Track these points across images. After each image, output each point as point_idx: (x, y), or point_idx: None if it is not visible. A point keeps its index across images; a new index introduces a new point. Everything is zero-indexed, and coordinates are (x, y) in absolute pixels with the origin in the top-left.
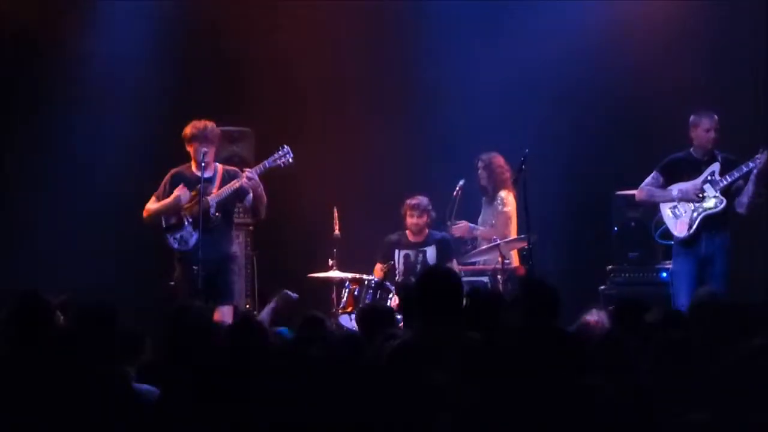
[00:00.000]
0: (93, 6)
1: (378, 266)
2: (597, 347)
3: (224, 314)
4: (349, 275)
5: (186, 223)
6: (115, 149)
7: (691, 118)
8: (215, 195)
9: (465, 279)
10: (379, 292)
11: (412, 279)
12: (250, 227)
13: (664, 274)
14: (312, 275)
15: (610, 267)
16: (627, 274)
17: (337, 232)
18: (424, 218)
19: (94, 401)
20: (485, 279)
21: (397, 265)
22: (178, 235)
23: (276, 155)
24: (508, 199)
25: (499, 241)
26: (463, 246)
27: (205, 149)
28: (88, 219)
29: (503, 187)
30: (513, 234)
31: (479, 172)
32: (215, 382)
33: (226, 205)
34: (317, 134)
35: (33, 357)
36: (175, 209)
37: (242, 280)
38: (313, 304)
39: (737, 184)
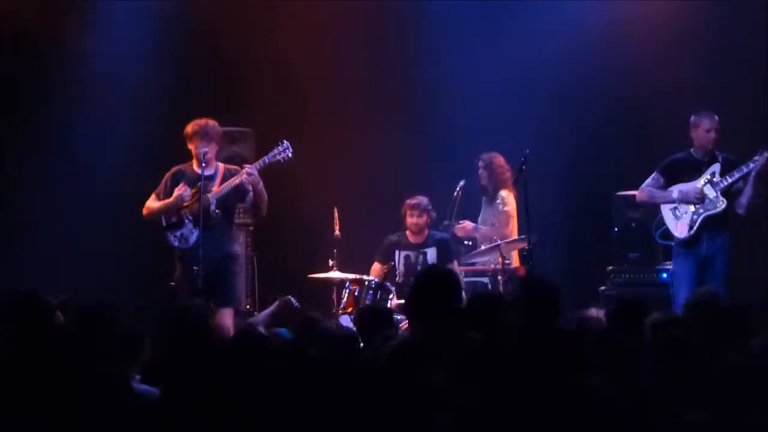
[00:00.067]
0: (93, 6)
1: (376, 266)
2: (596, 347)
3: (225, 317)
4: (350, 276)
5: (186, 221)
6: (115, 149)
7: (692, 118)
8: (215, 192)
9: (465, 279)
10: (379, 292)
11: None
12: (250, 227)
13: (665, 275)
14: (312, 276)
15: (610, 267)
16: (627, 275)
17: (337, 232)
18: (424, 218)
19: (94, 401)
20: (485, 279)
21: (397, 266)
22: (178, 233)
23: (275, 150)
24: (508, 198)
25: (499, 242)
26: (461, 246)
27: (205, 146)
28: (88, 219)
29: (504, 186)
30: (514, 233)
31: (480, 171)
32: (215, 382)
33: (227, 202)
34: (317, 134)
35: (33, 357)
36: (176, 208)
37: (243, 281)
38: (314, 305)
39: (737, 185)
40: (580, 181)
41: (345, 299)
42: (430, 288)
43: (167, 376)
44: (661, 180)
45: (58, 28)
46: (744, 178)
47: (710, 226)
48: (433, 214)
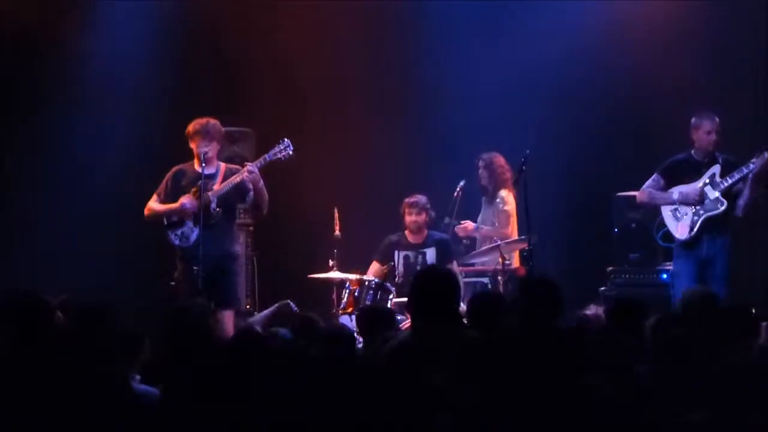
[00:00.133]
0: (93, 6)
1: (375, 265)
2: (596, 347)
3: (225, 317)
4: (350, 276)
5: (187, 219)
6: (115, 149)
7: (693, 120)
8: (216, 190)
9: (465, 280)
10: (379, 293)
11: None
12: (251, 227)
13: (665, 276)
14: (312, 276)
15: (610, 268)
16: (627, 276)
17: (337, 232)
18: (423, 216)
19: (94, 401)
20: (485, 280)
21: (396, 266)
22: (179, 232)
23: (276, 149)
24: (508, 198)
25: (499, 242)
26: (461, 246)
27: (206, 145)
28: (88, 219)
29: (504, 186)
30: (514, 233)
31: (480, 171)
32: (215, 382)
33: (228, 201)
34: (317, 134)
35: (33, 357)
36: (178, 214)
37: (243, 281)
38: (314, 305)
39: (737, 187)
40: (580, 181)
41: (345, 299)
42: (429, 288)
43: (167, 376)
44: (662, 181)
45: (58, 28)
46: (743, 179)
47: (711, 227)
48: (432, 213)
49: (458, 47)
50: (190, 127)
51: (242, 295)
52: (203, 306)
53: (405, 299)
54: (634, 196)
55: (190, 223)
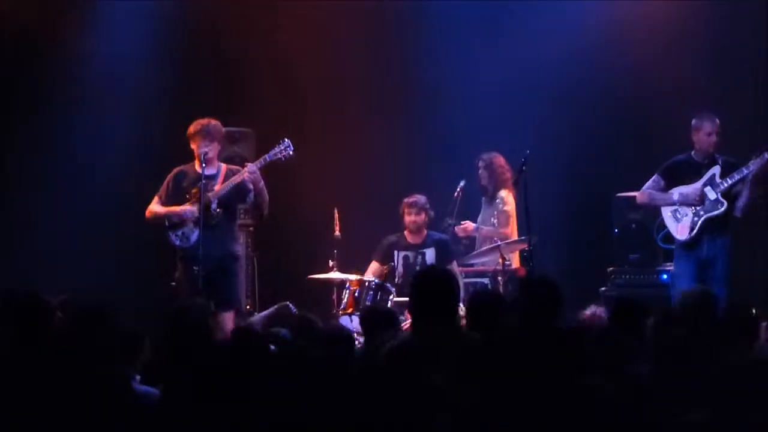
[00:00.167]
0: (93, 6)
1: (374, 265)
2: (596, 347)
3: (225, 320)
4: (350, 276)
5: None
6: (115, 149)
7: (693, 121)
8: (217, 191)
9: (465, 280)
10: (379, 293)
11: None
12: (251, 228)
13: (665, 276)
14: (312, 276)
15: (610, 268)
16: (627, 276)
17: (337, 233)
18: (422, 216)
19: (94, 401)
20: (486, 280)
21: (396, 267)
22: (179, 232)
23: (276, 149)
24: (508, 198)
25: (499, 243)
26: (460, 246)
27: (207, 146)
28: (88, 219)
29: (503, 186)
30: (513, 234)
31: (480, 171)
32: (215, 382)
33: (229, 201)
34: (318, 134)
35: (33, 357)
36: (179, 217)
37: (244, 281)
38: (314, 306)
39: (737, 188)
40: (580, 181)
41: (345, 300)
42: (429, 289)
43: (167, 376)
44: (662, 182)
45: (58, 28)
46: (743, 180)
47: (711, 228)
48: (431, 213)
49: (458, 47)
50: (191, 128)
51: (242, 296)
52: (203, 306)
53: (405, 299)
54: (635, 197)
55: (190, 224)
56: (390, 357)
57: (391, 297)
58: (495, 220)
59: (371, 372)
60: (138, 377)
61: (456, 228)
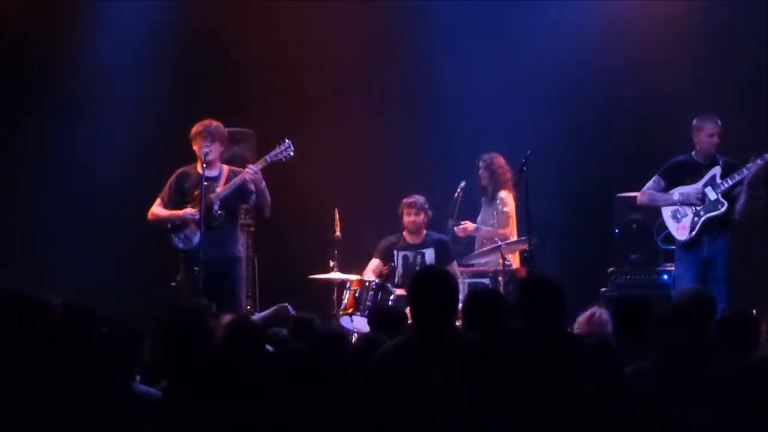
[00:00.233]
0: (93, 7)
1: (375, 262)
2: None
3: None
4: (351, 277)
5: (190, 222)
6: (115, 150)
7: (694, 122)
8: (219, 192)
9: (466, 280)
10: (380, 293)
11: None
12: (251, 228)
13: (665, 277)
14: (313, 277)
15: (611, 269)
16: (628, 276)
17: (338, 233)
18: (421, 216)
19: (94, 401)
20: (486, 280)
21: (396, 267)
22: (182, 235)
23: (277, 149)
24: (508, 199)
25: (500, 243)
26: (460, 246)
27: (208, 146)
28: (88, 219)
29: (504, 187)
30: (513, 234)
31: (480, 172)
32: (215, 382)
33: (231, 203)
34: (318, 135)
35: (33, 357)
36: (181, 220)
37: (245, 283)
38: (314, 306)
39: (737, 189)
40: (580, 182)
41: (346, 300)
42: (428, 289)
43: (167, 376)
44: (662, 183)
45: (59, 29)
46: (743, 182)
47: (711, 228)
48: (430, 213)
49: (458, 47)
50: (193, 129)
51: (243, 297)
52: (204, 307)
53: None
54: (635, 197)
55: (193, 226)
56: (388, 357)
57: (391, 297)
58: (494, 221)
59: (370, 372)
60: (138, 377)
61: (456, 228)
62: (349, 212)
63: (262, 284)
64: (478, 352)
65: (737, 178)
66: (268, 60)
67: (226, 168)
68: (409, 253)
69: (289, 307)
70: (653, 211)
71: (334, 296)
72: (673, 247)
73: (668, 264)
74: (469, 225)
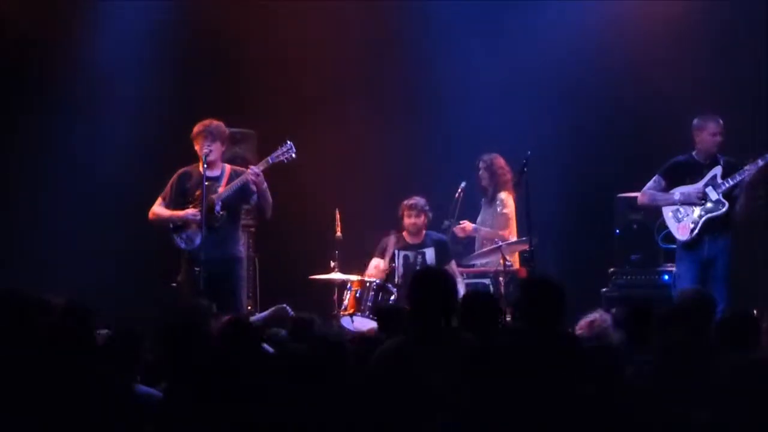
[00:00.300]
0: (93, 7)
1: (376, 260)
2: (592, 349)
3: None
4: (351, 277)
5: (192, 222)
6: (115, 150)
7: (695, 121)
8: (221, 193)
9: (466, 281)
10: (380, 293)
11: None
12: (252, 229)
13: (666, 277)
14: (313, 277)
15: (611, 269)
16: (629, 277)
17: (338, 233)
18: (422, 218)
19: (94, 401)
20: (487, 281)
21: (396, 267)
22: (184, 235)
23: (279, 151)
24: (507, 201)
25: (500, 244)
26: (459, 246)
27: (209, 146)
28: (88, 219)
29: (503, 188)
30: (512, 236)
31: (480, 172)
32: (215, 382)
33: (232, 203)
34: (319, 135)
35: (33, 357)
36: (182, 220)
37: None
38: (315, 306)
39: (737, 190)
40: (581, 182)
41: (346, 300)
42: (425, 289)
43: (168, 376)
44: (663, 183)
45: (59, 28)
46: (743, 182)
47: (712, 228)
48: (430, 215)
49: (459, 48)
50: (194, 129)
51: (244, 298)
52: (204, 307)
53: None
54: (636, 197)
55: (195, 226)
56: (388, 357)
57: (392, 298)
58: (493, 222)
59: (370, 372)
60: (138, 378)
61: (455, 228)
62: (349, 212)
63: (262, 285)
64: (477, 352)
65: (738, 178)
66: (268, 60)
67: (228, 167)
68: (410, 253)
69: (287, 307)
70: (654, 211)
71: (335, 296)
72: (674, 246)
73: (669, 264)
74: (467, 225)
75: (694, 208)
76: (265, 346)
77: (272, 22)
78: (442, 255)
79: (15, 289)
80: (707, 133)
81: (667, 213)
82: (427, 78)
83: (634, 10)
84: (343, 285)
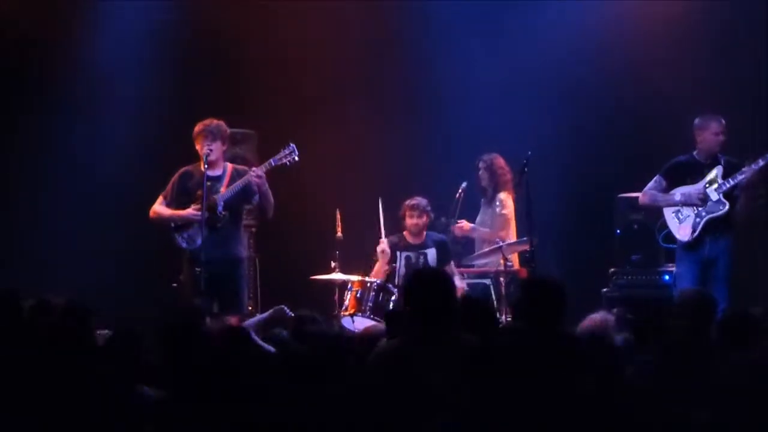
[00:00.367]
0: (93, 7)
1: (380, 264)
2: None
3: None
4: (352, 277)
5: (194, 222)
6: (115, 150)
7: (697, 121)
8: (223, 193)
9: (467, 281)
10: (381, 294)
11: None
12: (253, 229)
13: (667, 277)
14: (314, 277)
15: (612, 269)
16: (629, 277)
17: (339, 233)
18: (424, 218)
19: (94, 401)
20: (487, 281)
21: (398, 267)
22: (186, 235)
23: (282, 153)
24: (506, 201)
25: (501, 244)
26: (455, 246)
27: (209, 145)
28: (88, 219)
29: (503, 189)
30: (510, 237)
31: (480, 173)
32: (215, 382)
33: (235, 204)
34: (319, 135)
35: (33, 357)
36: (184, 220)
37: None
38: (316, 307)
39: (737, 191)
40: (581, 182)
41: (347, 301)
42: (426, 289)
43: (167, 376)
44: (664, 183)
45: (59, 29)
46: (741, 183)
47: (713, 228)
48: (432, 215)
49: (459, 48)
50: (195, 128)
51: (246, 299)
52: (202, 307)
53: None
54: (636, 197)
55: (196, 226)
56: (388, 357)
57: (393, 298)
58: (492, 222)
59: (370, 372)
60: (138, 378)
61: (454, 227)
62: (349, 213)
63: (263, 285)
64: (477, 352)
65: (739, 178)
66: (268, 60)
67: (230, 167)
68: (412, 254)
69: (285, 309)
70: (655, 212)
71: (336, 297)
72: (674, 246)
73: (669, 264)
74: (465, 225)
75: (694, 208)
76: (266, 345)
77: (272, 22)
78: (443, 255)
79: (15, 289)
80: (710, 132)
81: (669, 213)
82: (427, 78)
83: (634, 10)
84: (343, 285)
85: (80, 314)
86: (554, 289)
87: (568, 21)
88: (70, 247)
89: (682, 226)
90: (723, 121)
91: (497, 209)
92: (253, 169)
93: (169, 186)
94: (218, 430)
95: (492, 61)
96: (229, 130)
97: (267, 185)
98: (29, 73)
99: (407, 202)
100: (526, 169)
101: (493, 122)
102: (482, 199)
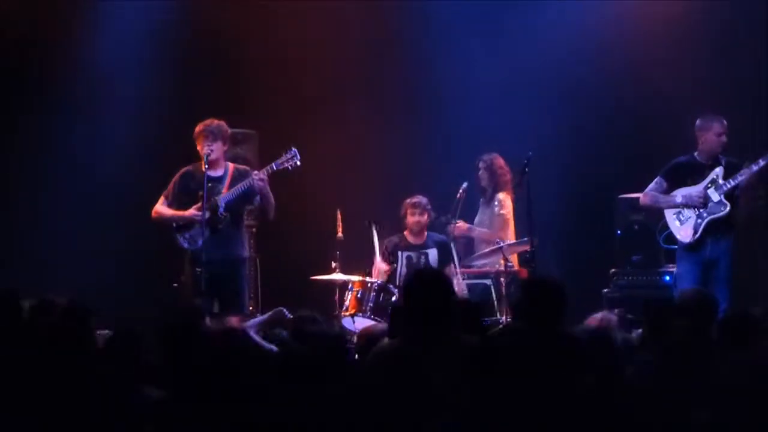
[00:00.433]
0: (93, 7)
1: (381, 265)
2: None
3: (231, 324)
4: (352, 277)
5: (196, 222)
6: (115, 150)
7: (698, 122)
8: (225, 194)
9: (467, 281)
10: (382, 294)
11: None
12: (253, 229)
13: (668, 278)
14: (315, 277)
15: (613, 270)
16: (630, 278)
17: (339, 234)
18: (425, 216)
19: (94, 402)
20: (488, 281)
21: (399, 267)
22: (187, 235)
23: (284, 158)
24: (505, 202)
25: (502, 244)
26: (458, 246)
27: (210, 145)
28: (88, 219)
29: (502, 189)
30: (509, 237)
31: (480, 173)
32: (215, 382)
33: (236, 205)
34: (320, 136)
35: (33, 357)
36: (186, 220)
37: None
38: (316, 307)
39: (737, 192)
40: (582, 182)
41: (347, 301)
42: (426, 290)
43: (167, 376)
44: (665, 184)
45: (59, 28)
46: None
47: (714, 229)
48: (433, 214)
49: (459, 48)
50: (196, 129)
51: (247, 299)
52: (202, 307)
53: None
54: (637, 198)
55: (198, 226)
56: (388, 357)
57: (393, 298)
58: (490, 223)
59: (370, 372)
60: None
61: (453, 227)
62: (350, 213)
63: (264, 285)
64: (477, 352)
65: (740, 178)
66: (268, 60)
67: (231, 166)
68: (413, 254)
69: (284, 311)
70: (656, 213)
71: (336, 297)
72: (675, 246)
73: (670, 265)
74: (462, 224)
75: (695, 210)
76: (267, 344)
77: (272, 22)
78: (444, 256)
79: (15, 289)
80: (712, 133)
81: (670, 215)
82: (427, 78)
83: (634, 10)
84: (344, 285)
85: (80, 314)
86: (554, 289)
87: (568, 21)
88: (70, 247)
89: (683, 227)
90: (725, 122)
91: (496, 209)
92: (255, 172)
93: (171, 186)
94: (218, 430)
95: (492, 61)
96: (229, 131)
97: (268, 187)
98: (29, 73)
99: (408, 200)
100: (527, 170)
101: (493, 122)
102: (481, 199)
